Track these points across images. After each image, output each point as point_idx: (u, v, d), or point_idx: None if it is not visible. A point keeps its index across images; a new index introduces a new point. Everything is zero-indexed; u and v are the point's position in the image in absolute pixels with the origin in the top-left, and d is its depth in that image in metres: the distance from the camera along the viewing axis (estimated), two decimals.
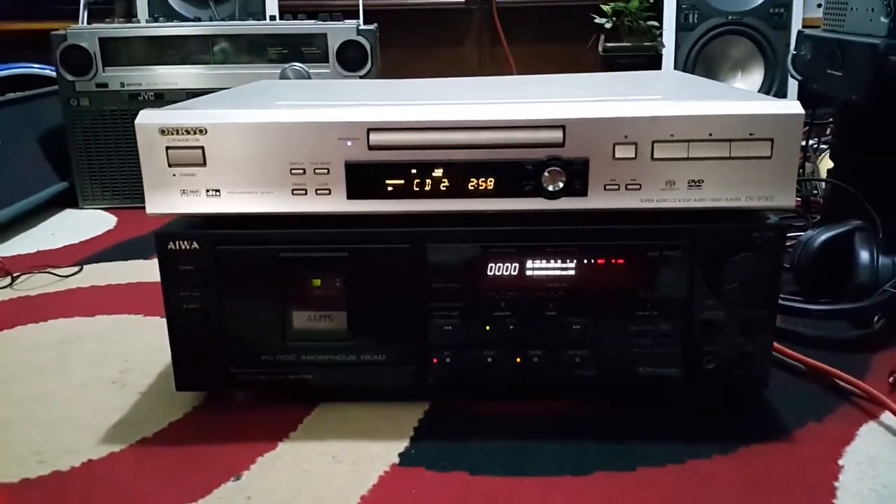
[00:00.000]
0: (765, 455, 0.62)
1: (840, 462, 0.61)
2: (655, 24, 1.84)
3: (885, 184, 0.95)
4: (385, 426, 0.67)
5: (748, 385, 0.68)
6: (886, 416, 0.67)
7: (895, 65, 0.87)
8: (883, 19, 0.90)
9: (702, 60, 1.87)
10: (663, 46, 1.84)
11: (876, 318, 0.83)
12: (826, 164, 1.23)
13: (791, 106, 0.61)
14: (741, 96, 0.65)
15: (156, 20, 1.47)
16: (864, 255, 0.85)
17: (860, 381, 0.71)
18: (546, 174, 0.62)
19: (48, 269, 1.10)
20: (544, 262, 0.65)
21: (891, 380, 0.72)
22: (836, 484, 0.58)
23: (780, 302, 0.78)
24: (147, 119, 0.62)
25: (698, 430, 0.66)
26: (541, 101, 0.63)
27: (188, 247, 0.64)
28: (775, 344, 0.72)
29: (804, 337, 0.83)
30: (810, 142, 1.28)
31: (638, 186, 0.62)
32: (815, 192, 1.25)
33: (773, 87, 1.84)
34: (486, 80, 0.94)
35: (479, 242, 0.65)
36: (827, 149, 1.26)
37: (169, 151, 0.62)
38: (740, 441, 0.64)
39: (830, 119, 1.22)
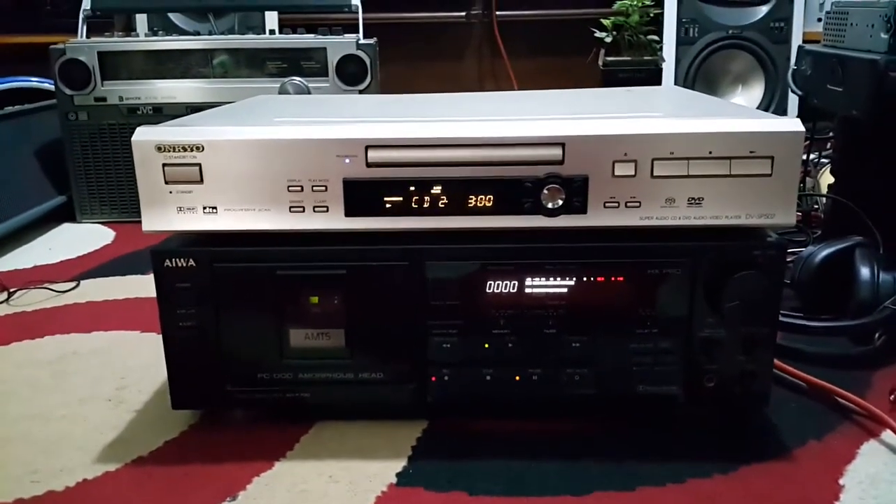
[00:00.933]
0: (766, 474, 0.62)
1: (841, 481, 0.61)
2: (656, 38, 1.85)
3: (886, 199, 0.95)
4: (383, 445, 0.66)
5: (749, 403, 0.67)
6: (887, 435, 0.67)
7: (895, 80, 0.87)
8: (883, 35, 0.90)
9: (702, 74, 1.87)
10: (663, 61, 1.84)
11: (877, 335, 0.82)
12: (827, 178, 1.23)
13: (791, 124, 0.60)
14: (741, 113, 0.65)
15: (155, 34, 1.47)
16: (865, 272, 0.84)
17: (861, 399, 0.70)
18: (545, 191, 0.62)
19: (45, 285, 1.09)
20: (544, 279, 0.64)
21: (892, 397, 0.72)
22: None
23: (781, 319, 0.78)
24: (144, 136, 0.62)
25: (699, 448, 0.65)
26: (540, 119, 0.63)
27: (185, 264, 0.64)
28: (776, 361, 0.72)
29: (805, 354, 0.82)
30: (811, 156, 1.28)
31: (637, 204, 0.62)
32: (816, 206, 1.25)
33: (773, 101, 1.84)
34: (485, 95, 0.94)
35: (478, 260, 0.64)
36: (828, 163, 1.26)
37: (165, 168, 0.62)
38: (741, 460, 0.63)
39: (831, 133, 1.22)
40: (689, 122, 0.61)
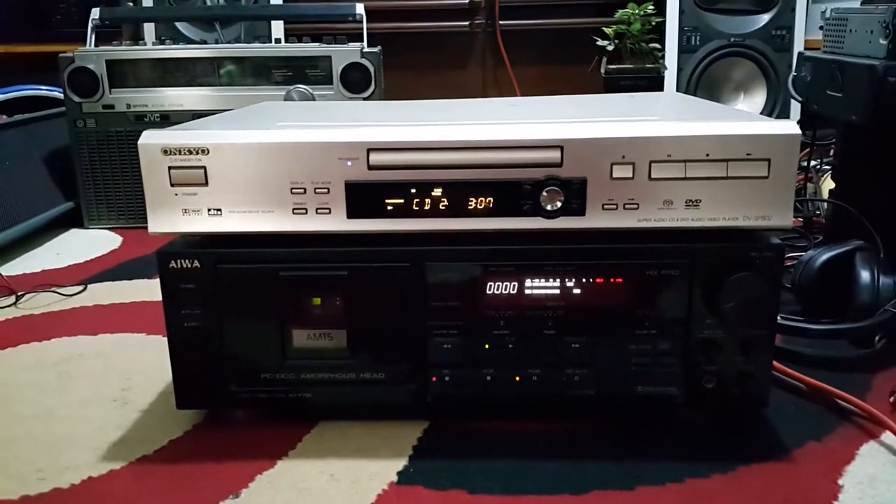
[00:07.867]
0: (764, 474, 0.62)
1: (840, 482, 0.61)
2: (657, 46, 1.85)
3: (886, 204, 0.95)
4: (384, 445, 0.67)
5: (748, 404, 0.68)
6: (887, 436, 0.67)
7: (894, 86, 0.88)
8: (882, 41, 0.91)
9: (704, 82, 1.88)
10: (665, 68, 1.85)
11: (877, 338, 0.83)
12: (828, 184, 1.23)
13: (788, 126, 0.61)
14: (738, 117, 0.66)
15: (162, 43, 1.48)
16: (865, 275, 0.85)
17: (861, 401, 0.71)
18: (544, 193, 0.62)
19: (52, 288, 1.10)
20: (543, 281, 0.65)
21: (891, 399, 0.72)
22: None
23: (782, 322, 0.78)
24: (150, 139, 0.63)
25: (698, 449, 0.66)
26: (539, 122, 0.64)
27: (189, 265, 0.65)
28: (776, 363, 0.72)
29: (805, 356, 0.82)
30: (812, 162, 1.28)
31: (636, 206, 0.62)
32: (818, 212, 1.25)
33: (775, 108, 1.85)
34: (485, 101, 0.95)
35: (478, 261, 0.65)
36: (829, 169, 1.26)
37: (171, 171, 0.63)
38: (740, 460, 0.64)
39: (833, 140, 1.22)
40: (685, 125, 0.62)
